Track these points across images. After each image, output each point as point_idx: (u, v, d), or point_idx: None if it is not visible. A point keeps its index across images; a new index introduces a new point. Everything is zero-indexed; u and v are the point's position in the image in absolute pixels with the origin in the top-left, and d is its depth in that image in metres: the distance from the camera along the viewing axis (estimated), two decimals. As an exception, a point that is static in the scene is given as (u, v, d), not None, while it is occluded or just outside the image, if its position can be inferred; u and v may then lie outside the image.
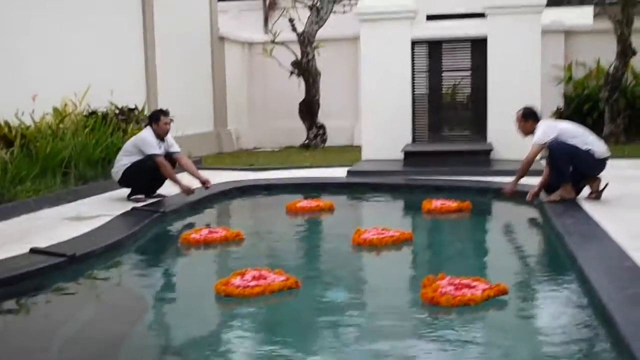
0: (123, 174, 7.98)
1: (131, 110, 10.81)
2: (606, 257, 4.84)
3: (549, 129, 7.05)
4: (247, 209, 8.69)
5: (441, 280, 4.42)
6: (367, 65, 11.26)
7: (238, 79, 16.50)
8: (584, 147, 6.93)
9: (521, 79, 10.57)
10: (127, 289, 5.00)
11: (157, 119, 7.85)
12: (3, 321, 4.28)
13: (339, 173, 10.02)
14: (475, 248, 6.18)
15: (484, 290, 4.23)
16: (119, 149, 8.44)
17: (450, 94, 11.57)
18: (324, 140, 15.05)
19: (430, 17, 11.51)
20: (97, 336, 3.93)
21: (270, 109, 16.79)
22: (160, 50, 12.72)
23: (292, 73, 14.99)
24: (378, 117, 11.16)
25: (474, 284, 4.34)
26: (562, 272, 4.94)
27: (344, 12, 15.04)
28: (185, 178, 8.13)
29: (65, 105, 9.69)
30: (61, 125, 9.28)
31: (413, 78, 11.22)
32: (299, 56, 14.71)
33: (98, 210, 7.35)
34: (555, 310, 4.11)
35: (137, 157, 7.88)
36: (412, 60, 11.18)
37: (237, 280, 4.54)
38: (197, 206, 7.91)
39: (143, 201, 7.87)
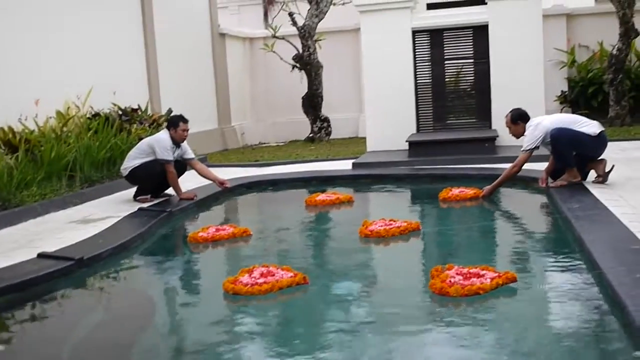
0: (131, 172, 7.99)
1: (134, 110, 10.83)
2: (614, 241, 4.82)
3: (535, 131, 7.03)
4: (254, 205, 8.70)
5: (449, 270, 4.41)
6: (369, 57, 11.23)
7: (240, 75, 16.49)
8: (579, 130, 6.95)
9: (524, 64, 10.53)
10: (136, 291, 5.01)
11: (177, 125, 7.82)
12: (13, 328, 4.29)
13: (344, 166, 10.02)
14: (483, 236, 6.16)
15: (492, 278, 4.22)
16: (124, 150, 8.45)
17: (454, 82, 11.54)
18: (328, 133, 15.04)
19: (430, 6, 11.46)
20: (108, 340, 3.93)
21: (274, 104, 16.78)
22: (161, 49, 12.72)
23: (294, 67, 14.97)
24: (382, 108, 11.15)
25: (483, 272, 4.33)
26: (571, 257, 4.92)
27: (343, 3, 15.00)
28: (192, 181, 8.14)
29: (68, 108, 9.72)
30: (65, 129, 9.30)
31: (415, 67, 11.20)
32: (300, 50, 14.69)
33: (105, 212, 7.37)
34: (564, 296, 4.10)
35: (149, 158, 7.89)
36: (414, 49, 11.16)
37: (245, 278, 4.54)
38: (204, 204, 7.93)
39: (149, 201, 7.89)
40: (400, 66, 11.07)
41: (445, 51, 11.27)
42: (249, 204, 8.63)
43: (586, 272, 4.41)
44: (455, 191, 7.37)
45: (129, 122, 10.29)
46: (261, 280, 4.49)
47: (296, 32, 14.64)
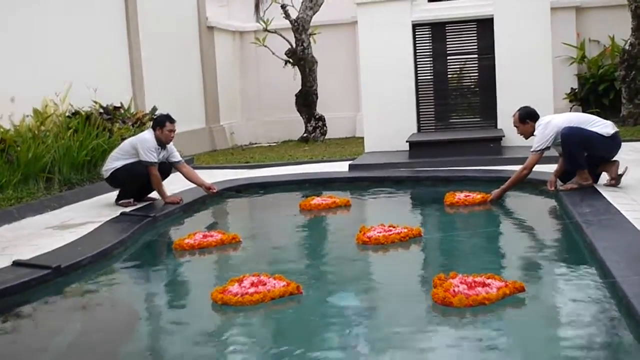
0: (112, 174, 7.95)
1: (117, 108, 10.80)
2: (628, 248, 4.80)
3: (546, 130, 7.01)
4: (244, 209, 8.67)
5: (453, 279, 4.39)
6: (367, 52, 11.23)
7: (230, 71, 16.48)
8: (591, 129, 6.94)
9: (531, 60, 10.54)
10: (118, 302, 4.97)
11: (163, 125, 7.78)
12: (-14, 340, 4.25)
13: (341, 167, 10.00)
14: (488, 242, 6.15)
15: (499, 288, 4.19)
16: (105, 151, 8.41)
17: (457, 78, 11.54)
18: (323, 133, 15.04)
19: (431, -3, 11.48)
20: (86, 355, 3.89)
21: (265, 102, 16.78)
22: (145, 43, 12.69)
23: (286, 63, 14.97)
24: (380, 106, 11.14)
25: (489, 281, 4.31)
26: (582, 265, 4.90)
27: (339, -6, 15.02)
28: (178, 184, 8.12)
29: (46, 106, 9.68)
30: (42, 128, 9.27)
31: (416, 63, 11.20)
32: (294, 44, 14.68)
33: (84, 217, 7.33)
34: (575, 307, 4.07)
35: (132, 160, 7.84)
36: (415, 44, 11.17)
37: (234, 288, 4.52)
38: (191, 208, 7.90)
39: (132, 205, 7.85)
40: (400, 62, 11.06)
41: (448, 46, 11.28)
42: (238, 209, 8.60)
43: (598, 281, 4.39)
44: (461, 195, 7.35)
45: (111, 121, 10.26)
46: (252, 289, 4.46)
47: (289, 25, 14.64)
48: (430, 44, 11.27)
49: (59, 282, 5.11)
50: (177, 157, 8.08)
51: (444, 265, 5.30)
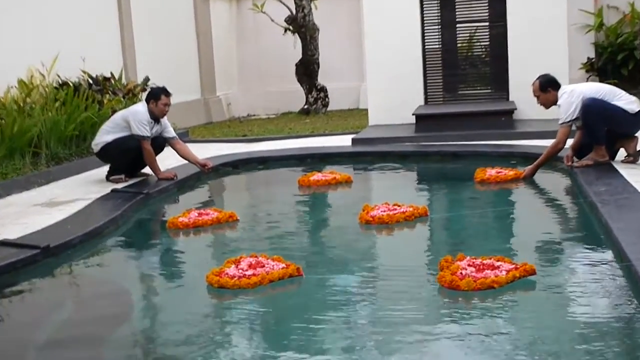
0: (103, 148, 7.96)
1: (106, 79, 10.78)
2: (646, 229, 4.83)
3: (571, 98, 6.97)
4: (242, 186, 8.70)
5: (460, 261, 4.42)
6: (371, 19, 11.18)
7: (226, 40, 16.42)
8: (615, 103, 6.92)
9: (545, 28, 10.49)
10: (109, 283, 5.00)
11: (158, 98, 7.76)
12: (-28, 324, 4.30)
13: (343, 141, 10.01)
14: (498, 222, 6.17)
15: (508, 271, 4.22)
16: (95, 124, 8.41)
17: (467, 47, 11.50)
18: (325, 105, 15.02)
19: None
20: (77, 338, 3.94)
21: (264, 72, 16.73)
22: (136, 9, 12.63)
23: (286, 30, 14.91)
24: (385, 77, 11.11)
25: (498, 264, 4.34)
26: (596, 247, 4.94)
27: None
28: (172, 159, 8.14)
29: (32, 76, 9.66)
30: (28, 100, 9.25)
31: (423, 32, 11.15)
32: (294, 11, 14.62)
33: (74, 194, 7.36)
34: (588, 290, 4.11)
35: (124, 133, 7.85)
36: (422, 11, 11.11)
37: (231, 270, 4.55)
38: (186, 185, 7.92)
39: (124, 182, 7.87)
40: (406, 30, 11.02)
41: (457, 13, 11.23)
42: (235, 185, 8.63)
43: (614, 263, 4.42)
44: (492, 172, 7.33)
45: (100, 93, 10.25)
46: (249, 272, 4.49)
47: (289, -10, 14.57)
48: (439, 11, 11.21)
49: (49, 262, 5.15)
50: (171, 132, 8.08)
51: (451, 247, 5.33)
